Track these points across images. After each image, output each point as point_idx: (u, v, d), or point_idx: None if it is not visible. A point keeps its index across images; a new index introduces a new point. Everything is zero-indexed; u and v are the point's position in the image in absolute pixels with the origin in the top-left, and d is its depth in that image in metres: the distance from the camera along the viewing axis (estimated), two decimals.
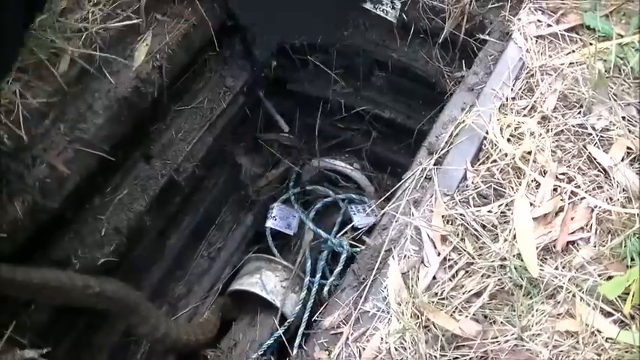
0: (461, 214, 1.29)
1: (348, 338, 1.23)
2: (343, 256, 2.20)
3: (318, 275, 2.18)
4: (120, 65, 1.68)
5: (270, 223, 2.29)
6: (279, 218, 2.29)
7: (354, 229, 2.18)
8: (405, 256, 1.29)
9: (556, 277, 1.19)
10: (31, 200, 1.51)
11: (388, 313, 1.23)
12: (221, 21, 1.90)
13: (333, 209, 2.37)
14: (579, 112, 1.41)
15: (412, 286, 1.24)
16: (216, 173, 2.24)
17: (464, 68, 1.83)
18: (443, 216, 1.31)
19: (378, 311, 1.25)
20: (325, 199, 2.35)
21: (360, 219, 2.27)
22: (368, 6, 1.89)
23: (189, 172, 1.94)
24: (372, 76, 2.14)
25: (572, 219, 1.26)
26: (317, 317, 1.35)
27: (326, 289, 2.15)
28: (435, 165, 1.44)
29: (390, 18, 1.88)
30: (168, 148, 1.90)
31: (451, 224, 1.29)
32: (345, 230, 2.21)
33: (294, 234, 2.32)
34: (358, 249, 2.13)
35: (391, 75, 2.08)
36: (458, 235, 1.27)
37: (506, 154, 1.35)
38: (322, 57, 2.13)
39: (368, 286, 1.31)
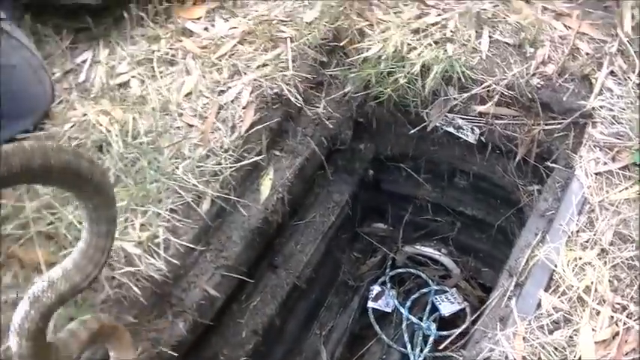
0: (537, 337, 1.63)
1: None
2: (431, 339, 2.57)
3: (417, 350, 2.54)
4: (250, 199, 2.04)
5: (371, 304, 2.66)
6: (378, 298, 2.66)
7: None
8: None
9: None
10: (191, 319, 1.89)
11: None
12: (329, 151, 2.27)
13: (424, 296, 2.72)
14: (632, 246, 1.73)
15: None
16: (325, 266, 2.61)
17: (535, 186, 2.17)
18: (523, 337, 1.65)
19: None
20: (420, 290, 2.70)
21: (445, 307, 2.62)
22: (451, 130, 2.23)
23: (307, 276, 2.33)
24: (455, 179, 2.48)
25: (625, 341, 1.58)
26: None
27: None
28: (515, 286, 1.79)
29: (470, 140, 2.22)
30: (290, 259, 2.28)
31: (530, 346, 1.63)
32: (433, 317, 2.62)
33: (392, 310, 2.68)
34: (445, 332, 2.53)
35: (472, 180, 2.42)
36: (535, 355, 1.60)
37: (572, 286, 1.68)
38: (411, 164, 2.49)
39: None
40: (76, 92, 2.20)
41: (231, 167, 1.97)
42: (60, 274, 1.28)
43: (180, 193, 1.90)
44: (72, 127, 2.08)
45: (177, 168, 1.94)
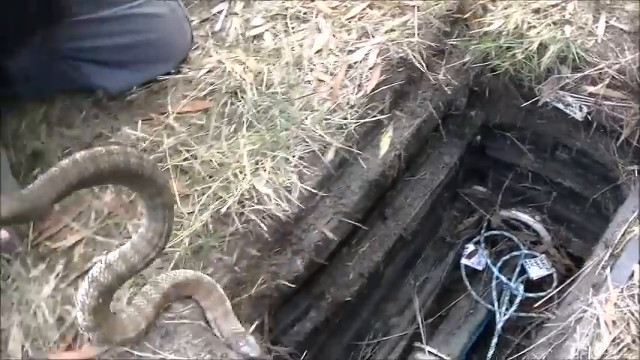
0: (627, 305, 1.78)
1: None
2: (518, 299, 2.72)
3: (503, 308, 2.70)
4: (370, 154, 2.22)
5: (464, 261, 2.84)
6: (471, 256, 2.83)
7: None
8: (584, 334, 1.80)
9: None
10: (308, 258, 2.09)
11: None
12: (444, 115, 2.42)
13: (514, 259, 2.88)
14: None
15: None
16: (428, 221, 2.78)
17: (635, 166, 2.29)
18: (615, 304, 1.80)
19: None
20: (511, 253, 2.86)
21: (534, 271, 2.77)
22: (560, 106, 2.36)
23: (412, 229, 2.52)
24: (557, 152, 2.62)
25: None
26: None
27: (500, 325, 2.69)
28: (610, 257, 1.94)
29: (577, 117, 2.35)
30: (399, 211, 2.46)
31: (620, 311, 1.78)
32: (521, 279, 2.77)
33: (483, 269, 2.85)
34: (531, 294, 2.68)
35: (574, 155, 2.55)
36: (624, 320, 1.76)
37: None
38: (517, 134, 2.63)
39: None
40: (212, 40, 2.39)
41: (355, 122, 2.13)
42: (117, 256, 1.48)
43: (307, 142, 2.08)
44: (207, 72, 2.28)
45: (305, 119, 2.12)
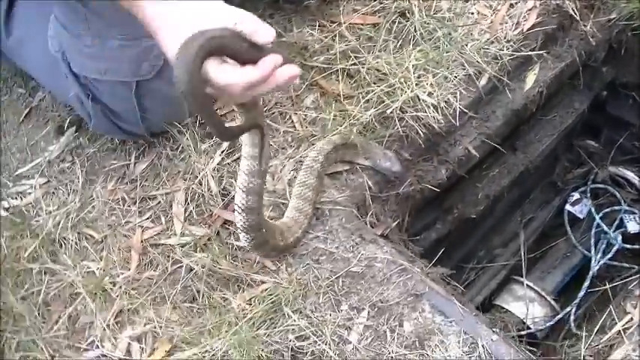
0: None
1: None
2: (615, 248, 2.89)
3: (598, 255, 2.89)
4: (516, 86, 2.41)
5: (568, 207, 3.04)
6: (575, 204, 3.03)
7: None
8: None
9: None
10: (451, 169, 2.32)
11: None
12: (583, 64, 2.61)
13: (614, 213, 3.04)
14: None
15: None
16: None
17: None
18: None
19: None
20: (612, 207, 3.03)
21: (632, 226, 2.96)
22: None
23: (537, 164, 2.73)
24: None
25: None
26: None
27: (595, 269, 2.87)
28: None
29: None
30: (529, 146, 2.68)
31: None
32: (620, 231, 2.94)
33: (583, 218, 3.06)
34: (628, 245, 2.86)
35: None
36: None
37: None
38: None
39: None
40: None
41: (510, 55, 2.34)
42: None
43: (465, 66, 2.30)
44: None
45: (466, 45, 2.33)
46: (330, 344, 1.78)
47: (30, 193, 2.19)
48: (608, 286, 2.28)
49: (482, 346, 1.75)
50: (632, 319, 1.94)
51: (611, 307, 2.03)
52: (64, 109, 2.32)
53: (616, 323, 1.96)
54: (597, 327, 2.01)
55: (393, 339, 1.79)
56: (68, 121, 2.29)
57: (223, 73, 1.22)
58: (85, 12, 1.89)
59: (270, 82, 1.26)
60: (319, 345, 1.78)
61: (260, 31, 1.23)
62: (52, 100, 2.36)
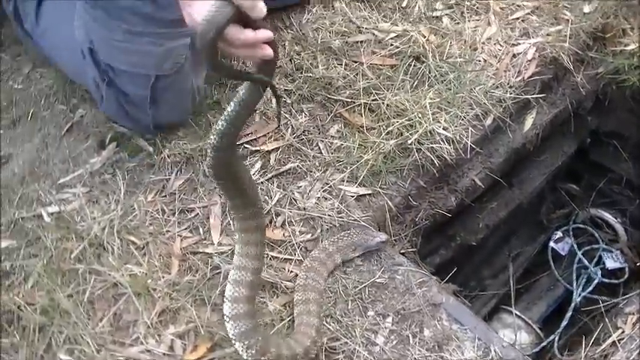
0: None
1: None
2: (595, 281, 3.14)
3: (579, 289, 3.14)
4: (516, 127, 2.67)
5: (552, 244, 3.30)
6: (558, 242, 3.29)
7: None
8: None
9: None
10: (459, 197, 2.56)
11: None
12: (574, 112, 2.89)
13: (593, 251, 3.30)
14: None
15: None
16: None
17: None
18: None
19: None
20: (591, 245, 3.29)
21: (610, 262, 3.22)
22: None
23: (528, 201, 3.00)
24: None
25: None
26: None
27: (578, 299, 3.12)
28: None
29: None
30: (523, 183, 2.96)
31: None
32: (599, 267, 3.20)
33: (565, 255, 3.31)
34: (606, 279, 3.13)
35: None
36: None
37: None
38: (621, 143, 3.12)
39: None
40: (399, 14, 2.87)
41: (512, 99, 2.61)
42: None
43: (473, 107, 2.55)
44: (395, 37, 2.77)
45: (474, 88, 2.59)
46: (360, 345, 1.97)
47: (73, 201, 2.30)
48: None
49: (495, 350, 1.98)
50: (623, 331, 2.17)
51: (605, 320, 2.28)
52: (105, 125, 2.46)
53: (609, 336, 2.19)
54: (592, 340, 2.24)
55: (416, 343, 1.99)
56: (109, 136, 2.43)
57: (235, 29, 1.56)
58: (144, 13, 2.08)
59: (256, 47, 1.59)
60: (350, 345, 1.96)
61: (256, 7, 1.50)
62: (94, 117, 2.50)
